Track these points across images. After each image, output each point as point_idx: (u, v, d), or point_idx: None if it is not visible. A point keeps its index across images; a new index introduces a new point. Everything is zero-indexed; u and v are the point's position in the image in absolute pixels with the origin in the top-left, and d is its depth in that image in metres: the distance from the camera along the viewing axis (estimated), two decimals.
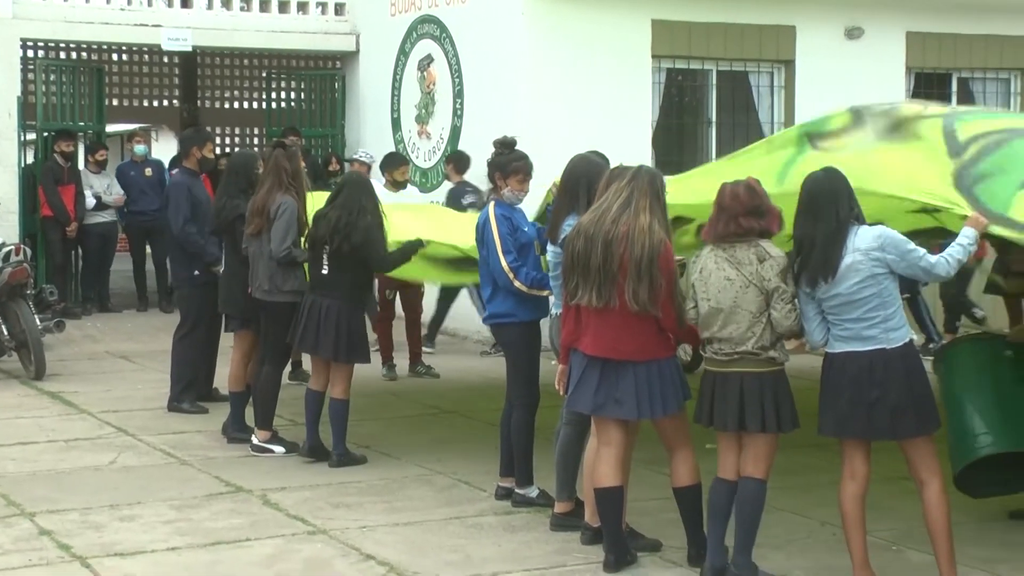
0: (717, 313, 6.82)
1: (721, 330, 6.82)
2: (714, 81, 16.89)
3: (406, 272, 10.98)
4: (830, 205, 6.65)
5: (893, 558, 7.41)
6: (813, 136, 8.07)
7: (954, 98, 18.08)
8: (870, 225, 6.69)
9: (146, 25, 18.26)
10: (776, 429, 6.82)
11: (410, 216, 11.01)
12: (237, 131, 25.50)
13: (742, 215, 6.80)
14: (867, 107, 8.24)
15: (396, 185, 13.67)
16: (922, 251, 6.63)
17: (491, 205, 8.61)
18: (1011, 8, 17.64)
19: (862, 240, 6.60)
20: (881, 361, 6.58)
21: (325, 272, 9.59)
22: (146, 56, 23.54)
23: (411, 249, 9.88)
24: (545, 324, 8.42)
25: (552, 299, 8.20)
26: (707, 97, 16.95)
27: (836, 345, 6.69)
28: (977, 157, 7.21)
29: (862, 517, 6.79)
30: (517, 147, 9.24)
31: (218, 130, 24.08)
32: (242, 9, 18.82)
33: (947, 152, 7.32)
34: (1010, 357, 7.69)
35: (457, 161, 15.08)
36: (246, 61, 23.48)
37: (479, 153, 14.73)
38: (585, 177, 7.84)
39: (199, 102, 23.48)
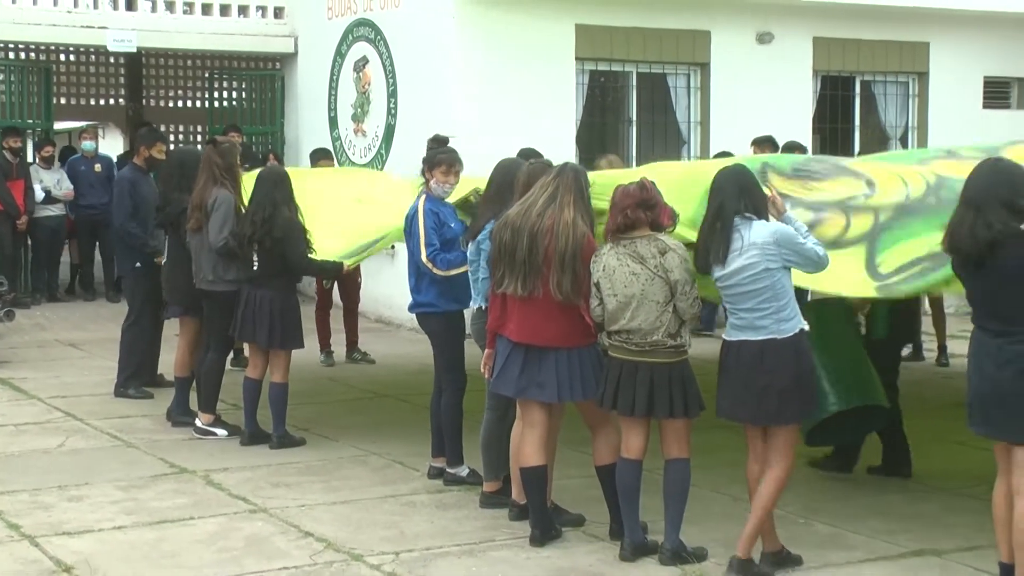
0: (626, 307, 6.82)
1: (630, 322, 6.82)
2: (634, 82, 16.93)
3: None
4: (715, 196, 6.73)
5: (803, 530, 7.46)
6: (769, 167, 8.15)
7: (857, 99, 18.26)
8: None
9: (92, 27, 18.07)
10: (684, 415, 6.87)
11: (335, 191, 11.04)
12: (181, 128, 25.31)
13: (631, 207, 6.82)
14: (791, 196, 8.14)
15: None
16: (812, 241, 6.72)
17: (421, 199, 8.58)
18: (909, 16, 17.80)
19: (758, 235, 6.63)
20: (772, 350, 6.61)
21: (256, 266, 9.62)
22: (93, 56, 23.32)
23: (330, 268, 10.04)
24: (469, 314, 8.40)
25: (473, 292, 8.20)
26: (627, 97, 16.99)
27: (732, 333, 6.71)
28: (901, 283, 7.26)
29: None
30: (449, 145, 9.24)
31: (163, 128, 23.89)
32: (185, 12, 18.69)
33: (868, 276, 7.35)
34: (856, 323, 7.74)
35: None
36: (189, 62, 23.28)
37: (413, 150, 14.74)
38: (511, 180, 7.82)
39: (144, 101, 23.30)
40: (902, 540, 7.43)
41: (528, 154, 11.72)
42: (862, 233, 7.58)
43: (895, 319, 8.53)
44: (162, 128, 22.49)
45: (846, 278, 7.34)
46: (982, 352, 6.20)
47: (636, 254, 6.81)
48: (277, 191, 9.59)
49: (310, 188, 10.48)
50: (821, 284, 7.48)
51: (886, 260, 7.35)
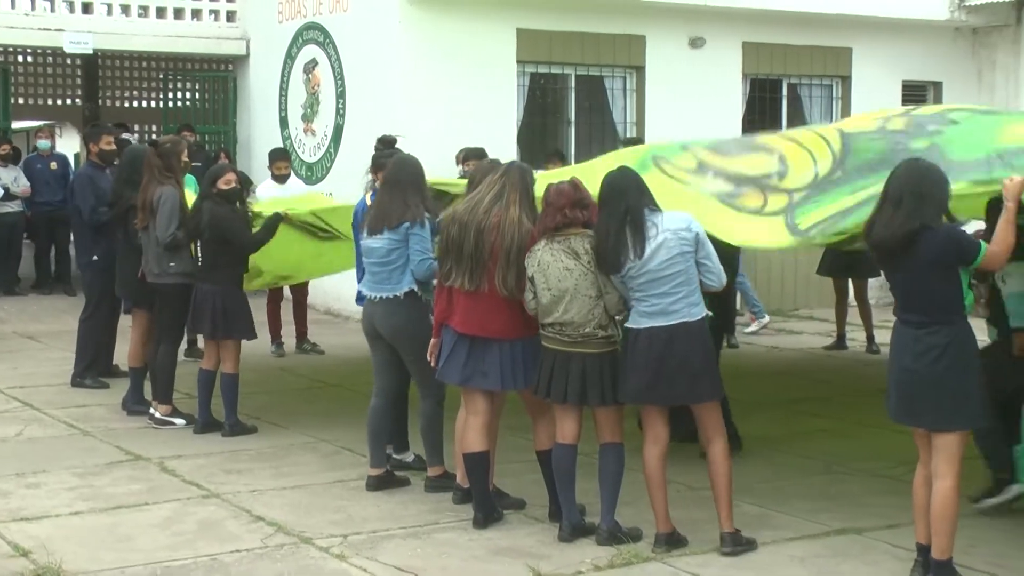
0: (559, 300, 6.83)
1: (564, 315, 6.84)
2: (573, 84, 16.97)
3: (280, 266, 11.07)
4: (619, 198, 6.73)
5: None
6: (657, 158, 8.12)
7: (784, 103, 18.38)
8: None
9: (49, 29, 17.93)
10: (614, 402, 6.90)
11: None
12: (136, 128, 25.13)
13: (568, 207, 6.83)
14: (712, 162, 8.24)
15: (279, 178, 13.53)
16: (715, 260, 6.80)
17: (367, 195, 8.56)
18: (833, 23, 17.92)
19: (671, 222, 6.71)
20: (683, 333, 6.66)
21: (201, 262, 9.65)
22: (50, 58, 23.15)
23: (272, 224, 9.87)
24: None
25: (365, 280, 8.20)
26: (567, 99, 17.03)
27: (641, 321, 6.71)
28: (812, 234, 7.39)
29: (663, 477, 6.89)
30: (398, 144, 9.22)
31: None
32: (140, 15, 18.53)
33: (787, 232, 7.45)
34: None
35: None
36: (144, 63, 23.13)
37: (361, 149, 14.71)
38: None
39: (100, 101, 23.07)
40: (825, 519, 7.48)
41: (472, 153, 11.72)
42: (778, 208, 7.69)
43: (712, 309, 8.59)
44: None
45: (765, 233, 7.54)
46: (901, 343, 6.26)
47: (570, 250, 6.83)
48: (211, 185, 9.62)
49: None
50: (741, 237, 7.66)
51: (802, 221, 7.47)
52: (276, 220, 9.88)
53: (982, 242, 6.14)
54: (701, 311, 6.76)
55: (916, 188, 6.11)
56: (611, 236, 6.70)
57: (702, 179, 8.13)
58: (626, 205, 6.72)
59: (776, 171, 8.08)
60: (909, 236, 6.06)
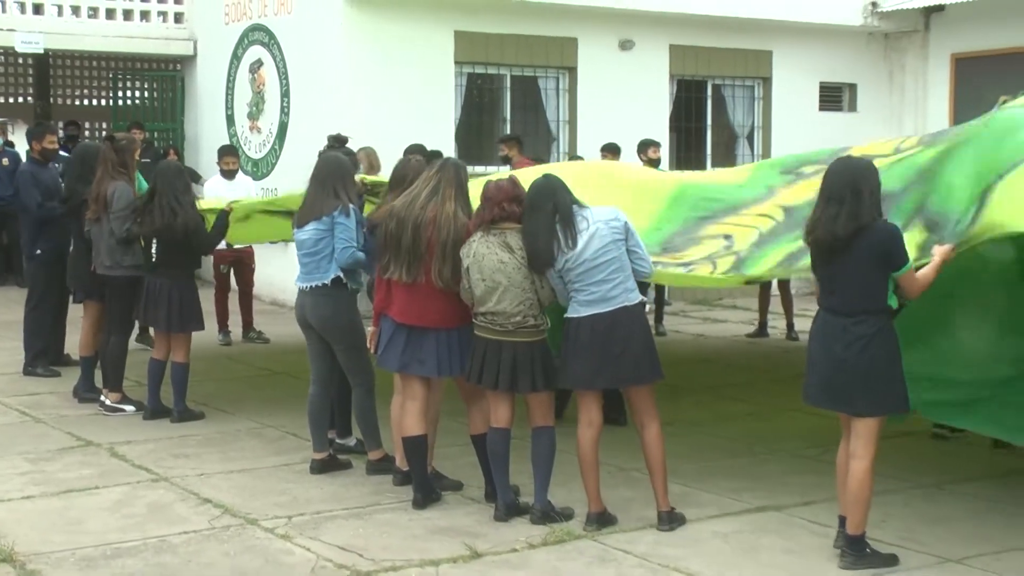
0: (493, 291, 6.84)
1: (496, 305, 6.84)
2: (508, 84, 17.00)
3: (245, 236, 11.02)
4: (546, 198, 6.75)
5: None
6: None
7: (708, 103, 18.48)
8: None
9: (1, 29, 17.76)
10: (544, 387, 6.92)
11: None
12: (87, 125, 24.86)
13: (505, 201, 6.85)
14: (662, 262, 8.27)
15: (227, 174, 13.44)
16: (644, 248, 6.88)
17: None
18: (755, 27, 18.05)
19: (600, 214, 6.77)
20: (624, 317, 6.69)
21: (155, 258, 9.57)
22: (1, 57, 22.83)
23: (223, 223, 9.86)
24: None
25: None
26: (502, 98, 17.04)
27: (581, 310, 6.72)
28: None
29: (596, 459, 6.92)
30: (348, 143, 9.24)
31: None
32: (90, 16, 18.41)
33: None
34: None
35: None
36: (94, 62, 22.83)
37: (305, 146, 14.68)
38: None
39: (51, 99, 22.77)
40: (747, 497, 7.54)
41: (415, 149, 11.70)
42: (727, 268, 7.76)
43: None
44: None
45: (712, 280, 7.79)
46: (828, 332, 6.27)
47: (505, 244, 6.83)
48: (177, 183, 9.52)
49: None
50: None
51: (753, 271, 7.63)
52: (224, 219, 9.86)
53: (911, 262, 6.20)
54: (638, 296, 6.81)
55: (856, 186, 6.15)
56: (541, 234, 6.71)
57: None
58: (554, 203, 6.74)
59: (723, 246, 8.17)
60: (854, 233, 6.11)
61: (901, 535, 6.70)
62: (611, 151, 14.77)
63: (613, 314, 6.69)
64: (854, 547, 6.26)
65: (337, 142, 10.08)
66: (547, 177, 6.94)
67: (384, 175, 9.52)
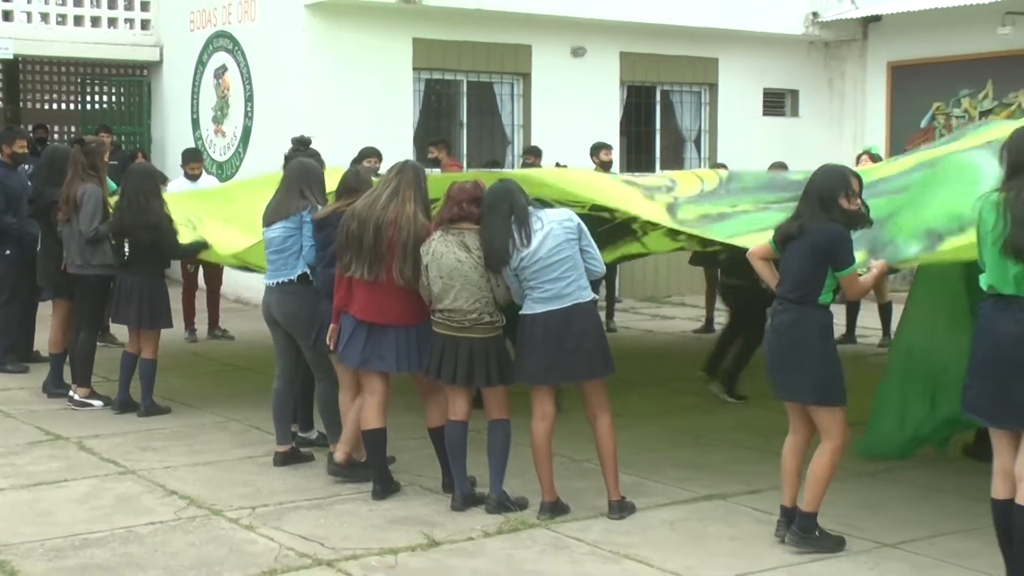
0: (449, 289, 6.84)
1: (453, 302, 6.85)
2: (465, 90, 17.02)
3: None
4: (503, 200, 6.77)
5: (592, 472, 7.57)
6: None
7: (657, 108, 18.55)
8: None
9: None
10: (499, 382, 6.94)
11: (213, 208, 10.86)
12: (56, 129, 24.69)
13: (465, 201, 6.87)
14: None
15: (192, 177, 13.37)
16: (596, 248, 6.88)
17: None
18: (702, 35, 18.14)
19: (554, 215, 6.82)
20: (579, 313, 6.71)
21: (127, 256, 9.48)
22: None
23: (197, 247, 9.86)
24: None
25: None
26: (459, 103, 17.06)
27: (536, 307, 6.72)
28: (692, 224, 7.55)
29: (549, 451, 6.93)
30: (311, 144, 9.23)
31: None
32: (59, 23, 18.31)
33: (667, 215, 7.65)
34: None
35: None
36: (63, 68, 22.67)
37: (268, 148, 14.63)
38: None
39: (21, 103, 22.63)
40: (694, 487, 7.57)
41: (368, 153, 11.65)
42: (665, 206, 7.83)
43: None
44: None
45: (647, 209, 7.77)
46: (771, 324, 6.36)
47: (463, 244, 6.84)
48: (147, 185, 9.46)
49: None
50: (627, 206, 7.94)
51: (682, 214, 7.64)
52: (202, 245, 9.85)
53: (854, 265, 6.24)
54: (590, 294, 6.82)
55: (820, 188, 6.22)
56: (497, 233, 6.72)
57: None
58: (510, 204, 6.76)
59: (665, 185, 8.30)
60: (808, 226, 6.16)
61: (840, 521, 6.74)
62: (533, 154, 14.95)
63: (567, 311, 6.70)
64: (803, 525, 6.29)
65: (301, 144, 10.07)
66: (503, 182, 6.97)
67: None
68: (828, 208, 6.18)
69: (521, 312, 6.85)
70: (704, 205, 7.75)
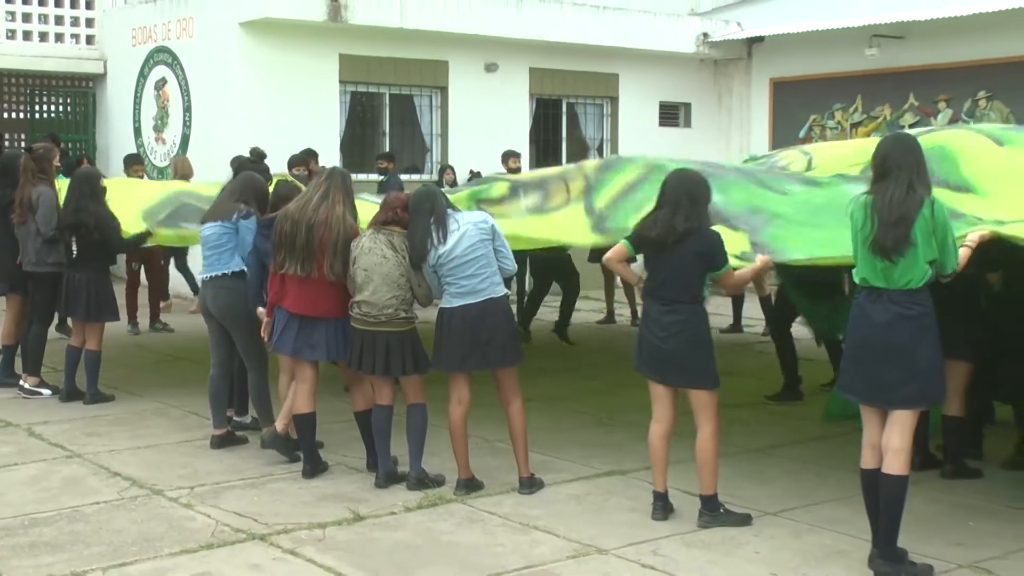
0: (369, 282, 6.84)
1: (372, 295, 6.83)
2: (387, 102, 16.94)
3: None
4: (426, 202, 6.77)
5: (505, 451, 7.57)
6: (480, 201, 8.20)
7: (564, 119, 18.59)
8: None
9: None
10: (414, 371, 6.93)
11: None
12: (7, 136, 24.18)
13: (399, 208, 6.90)
14: (522, 181, 8.36)
15: None
16: (508, 248, 6.89)
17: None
18: (603, 53, 18.19)
19: (470, 217, 6.84)
20: (492, 307, 6.71)
21: (75, 254, 9.30)
22: None
23: (141, 239, 9.70)
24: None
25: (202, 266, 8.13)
26: (382, 114, 16.97)
27: (453, 302, 6.72)
28: (608, 213, 7.48)
29: (465, 432, 6.93)
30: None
31: None
32: (8, 37, 17.92)
33: (590, 227, 7.60)
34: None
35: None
36: (12, 79, 22.14)
37: (205, 155, 14.46)
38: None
39: None
40: (596, 464, 7.61)
41: (258, 153, 11.53)
42: (579, 191, 7.88)
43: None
44: None
45: (568, 230, 7.73)
46: (652, 319, 6.35)
47: (391, 243, 6.85)
48: (89, 188, 9.32)
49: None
50: (552, 236, 8.01)
51: (600, 198, 7.65)
52: (144, 235, 9.69)
53: (728, 264, 6.29)
54: (503, 290, 6.83)
55: (691, 193, 6.22)
56: (418, 232, 6.74)
57: (515, 201, 8.30)
58: (431, 206, 6.77)
59: (576, 168, 8.36)
60: (687, 233, 6.16)
61: (729, 493, 6.79)
62: (387, 159, 15.01)
63: (481, 305, 6.70)
64: (709, 506, 6.35)
65: (257, 156, 10.07)
66: (427, 187, 7.03)
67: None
68: (701, 211, 6.22)
69: (440, 306, 6.83)
70: (613, 179, 7.76)
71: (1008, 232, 6.02)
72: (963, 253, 5.64)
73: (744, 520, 6.37)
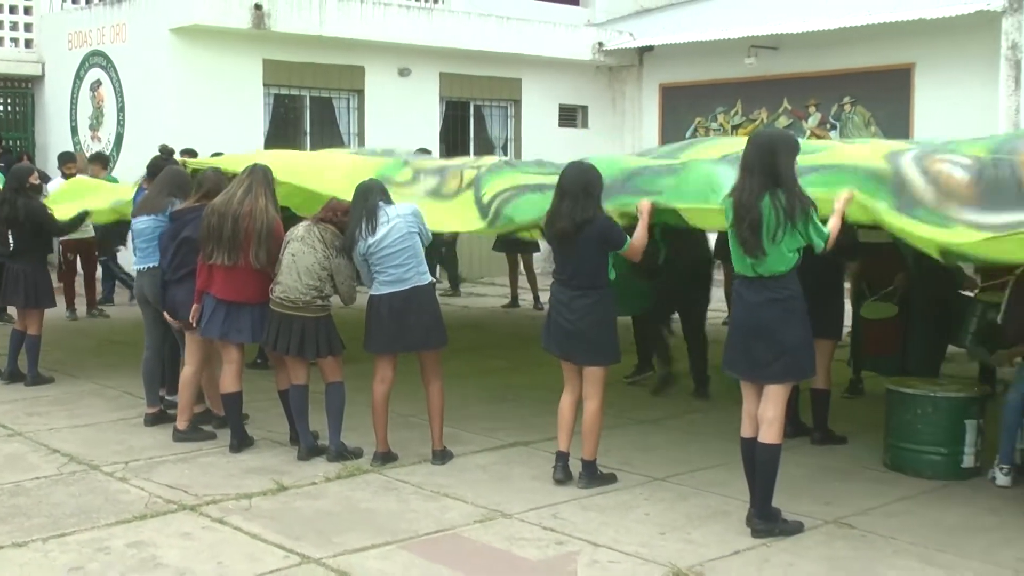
0: (292, 269, 6.80)
1: (294, 281, 6.79)
2: (308, 104, 16.78)
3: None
4: (364, 196, 6.74)
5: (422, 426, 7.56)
6: (387, 180, 8.18)
7: (471, 120, 18.57)
8: None
9: None
10: (329, 354, 6.90)
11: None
12: None
13: (339, 211, 6.89)
14: (423, 167, 8.33)
15: (68, 177, 12.87)
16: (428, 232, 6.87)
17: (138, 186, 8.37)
18: (507, 59, 18.22)
19: (400, 209, 6.78)
20: (418, 295, 6.68)
21: (13, 247, 9.15)
22: None
23: (79, 219, 9.55)
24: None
25: (135, 257, 7.99)
26: (303, 115, 16.82)
27: (382, 289, 6.68)
28: (498, 213, 7.42)
29: (386, 409, 6.91)
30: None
31: None
32: None
33: (478, 215, 7.56)
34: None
35: None
36: None
37: (138, 152, 14.20)
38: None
39: None
40: (501, 436, 7.63)
41: (165, 151, 11.34)
42: (470, 180, 7.86)
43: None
44: None
45: (459, 218, 7.71)
46: (561, 301, 6.38)
47: (321, 238, 6.83)
48: (17, 183, 9.18)
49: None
50: (444, 223, 7.89)
51: (487, 192, 7.61)
52: (83, 216, 9.55)
53: (628, 236, 6.31)
54: (429, 278, 6.77)
55: (586, 187, 6.24)
56: (353, 223, 6.71)
57: (415, 185, 8.26)
58: (366, 199, 6.71)
59: (471, 161, 8.34)
60: (584, 223, 6.19)
61: (621, 461, 6.88)
62: (188, 154, 14.82)
63: (407, 292, 6.66)
64: (589, 470, 6.41)
65: (166, 153, 9.88)
66: (370, 181, 6.96)
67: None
68: (595, 202, 6.25)
69: (369, 294, 6.76)
70: (504, 175, 7.72)
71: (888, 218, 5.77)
72: (833, 225, 5.66)
73: (612, 479, 6.47)
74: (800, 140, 5.92)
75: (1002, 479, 6.48)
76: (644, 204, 6.49)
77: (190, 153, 9.82)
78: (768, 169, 5.44)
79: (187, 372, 7.48)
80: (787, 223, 5.39)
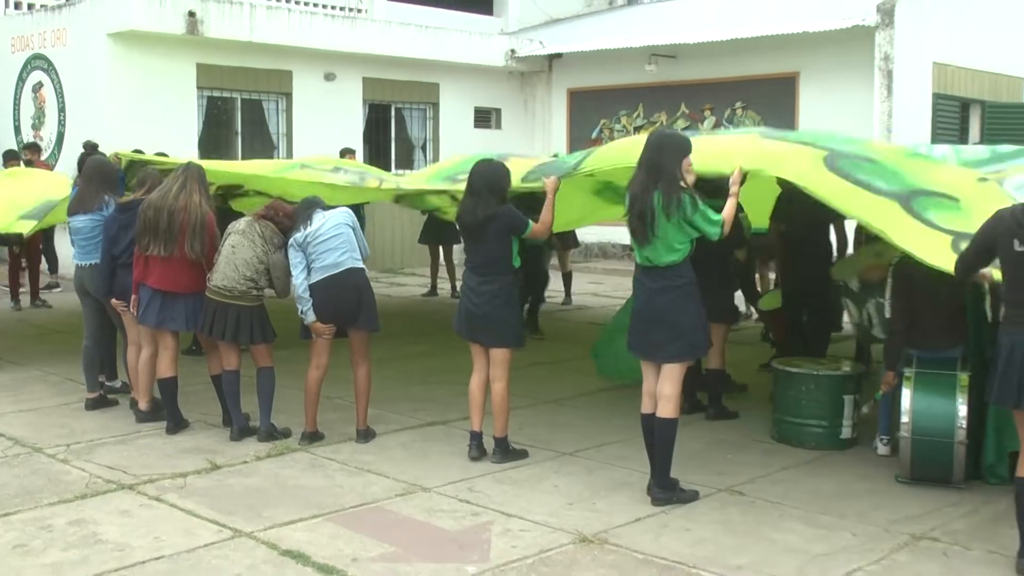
0: (231, 260, 6.75)
1: (231, 272, 6.72)
2: (239, 106, 16.53)
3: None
4: (304, 207, 6.71)
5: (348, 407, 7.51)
6: (305, 165, 8.15)
7: (392, 122, 18.46)
8: None
9: None
10: (262, 340, 6.85)
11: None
12: None
13: (284, 215, 6.85)
14: (347, 168, 8.45)
15: None
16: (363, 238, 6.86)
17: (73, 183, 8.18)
18: (427, 65, 18.16)
19: (335, 211, 6.74)
20: (351, 277, 6.62)
21: None
22: None
23: (15, 237, 9.38)
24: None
25: (74, 251, 7.80)
26: (235, 117, 16.58)
27: (317, 275, 6.61)
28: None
29: (318, 393, 6.87)
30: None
31: None
32: None
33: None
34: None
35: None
36: None
37: (78, 151, 13.85)
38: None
39: None
40: (421, 416, 7.61)
41: (91, 145, 11.12)
42: (389, 188, 8.15)
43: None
44: None
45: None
46: (469, 287, 6.38)
47: (261, 234, 6.78)
48: None
49: None
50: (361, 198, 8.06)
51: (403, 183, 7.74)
52: (16, 236, 9.35)
53: (530, 220, 6.33)
54: (361, 264, 6.72)
55: (490, 185, 6.25)
56: (298, 220, 6.66)
57: (336, 175, 8.30)
58: (307, 207, 6.67)
59: (390, 175, 8.34)
60: (487, 218, 6.20)
61: (532, 438, 6.91)
62: (350, 153, 14.63)
63: (342, 274, 6.60)
64: (502, 446, 6.43)
65: (91, 148, 9.69)
66: (313, 195, 6.94)
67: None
68: (498, 196, 6.25)
69: (308, 283, 6.64)
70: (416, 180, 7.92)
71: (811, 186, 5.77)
72: (727, 210, 5.73)
73: (524, 455, 6.49)
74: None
75: (882, 448, 6.65)
76: (548, 180, 6.55)
77: (90, 147, 9.59)
78: (654, 165, 5.53)
79: (144, 355, 7.30)
80: (664, 216, 5.46)
